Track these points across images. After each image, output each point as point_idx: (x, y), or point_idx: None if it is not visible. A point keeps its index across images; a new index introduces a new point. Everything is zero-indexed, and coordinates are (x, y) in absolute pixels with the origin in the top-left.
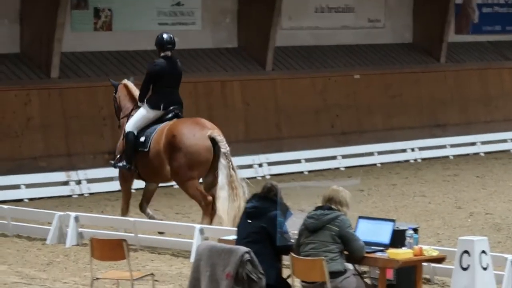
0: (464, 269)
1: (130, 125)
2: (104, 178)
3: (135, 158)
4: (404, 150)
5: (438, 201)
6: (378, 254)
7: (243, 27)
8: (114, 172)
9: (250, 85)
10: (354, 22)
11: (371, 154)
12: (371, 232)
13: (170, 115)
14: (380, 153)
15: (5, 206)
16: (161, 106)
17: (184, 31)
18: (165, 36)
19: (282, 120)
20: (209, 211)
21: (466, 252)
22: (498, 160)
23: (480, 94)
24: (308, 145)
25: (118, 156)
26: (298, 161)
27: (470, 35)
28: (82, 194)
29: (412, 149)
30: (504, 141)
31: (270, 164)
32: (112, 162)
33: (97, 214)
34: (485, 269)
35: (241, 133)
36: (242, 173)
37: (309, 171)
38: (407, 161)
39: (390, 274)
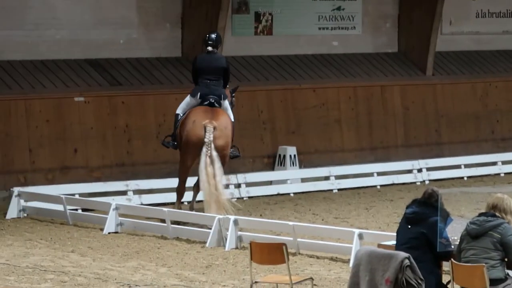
0: None
1: (178, 108)
2: (263, 182)
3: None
4: None
5: None
6: None
7: (404, 32)
8: (273, 176)
9: (410, 90)
10: None
11: None
12: None
13: (205, 103)
14: None
15: (165, 209)
16: (198, 95)
17: (344, 35)
18: (210, 35)
19: (442, 125)
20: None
21: None
22: None
23: None
24: (468, 151)
25: (168, 135)
26: (458, 166)
27: None
28: (242, 198)
29: None
30: None
31: (429, 169)
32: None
33: (256, 218)
34: None
35: (400, 138)
36: (401, 178)
37: (469, 177)
38: None
39: None
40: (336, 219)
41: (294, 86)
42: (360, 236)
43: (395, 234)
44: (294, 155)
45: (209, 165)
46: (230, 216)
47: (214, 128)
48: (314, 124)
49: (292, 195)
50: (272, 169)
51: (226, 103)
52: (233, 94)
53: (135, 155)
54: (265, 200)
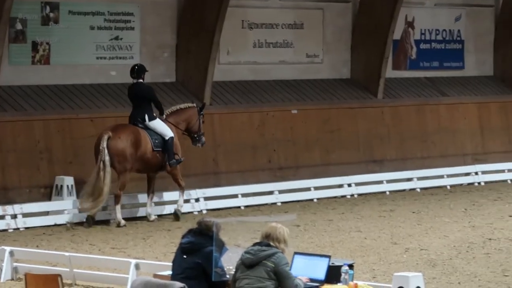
0: None
1: None
2: (40, 213)
3: None
4: (340, 186)
5: (373, 236)
6: None
7: (181, 61)
8: (50, 206)
9: None
10: (292, 57)
11: (307, 189)
12: (306, 268)
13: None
14: (316, 188)
15: None
16: (129, 120)
17: (122, 65)
18: (133, 67)
19: (220, 155)
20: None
21: None
22: (434, 196)
23: (417, 130)
24: (245, 180)
25: None
26: (235, 196)
27: (407, 71)
28: (18, 228)
29: (349, 185)
30: (440, 177)
31: (206, 199)
32: None
33: (32, 249)
34: None
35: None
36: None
37: (246, 206)
38: (343, 196)
39: None
40: (113, 249)
41: (71, 116)
42: (137, 266)
43: (171, 264)
44: (72, 185)
45: (101, 169)
46: (5, 247)
47: (109, 137)
48: (92, 154)
49: (69, 225)
50: (49, 199)
51: (154, 123)
52: (202, 112)
53: None
54: (42, 230)
